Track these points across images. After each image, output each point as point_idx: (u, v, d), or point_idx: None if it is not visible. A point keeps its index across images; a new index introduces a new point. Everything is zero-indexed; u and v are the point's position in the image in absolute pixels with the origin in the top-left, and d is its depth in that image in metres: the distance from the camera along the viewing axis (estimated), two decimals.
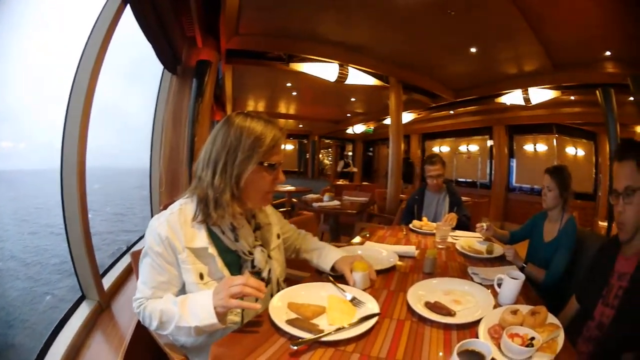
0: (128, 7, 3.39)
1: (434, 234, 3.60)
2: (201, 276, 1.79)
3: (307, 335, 1.49)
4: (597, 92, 7.65)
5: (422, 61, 9.52)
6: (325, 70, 8.93)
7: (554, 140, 12.17)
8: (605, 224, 7.61)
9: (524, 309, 1.87)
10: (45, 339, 2.50)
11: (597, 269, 2.26)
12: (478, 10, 6.61)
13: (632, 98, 7.01)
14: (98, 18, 3.21)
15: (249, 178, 1.79)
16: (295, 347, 1.41)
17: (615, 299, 2.00)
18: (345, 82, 9.20)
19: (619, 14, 6.48)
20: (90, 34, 3.14)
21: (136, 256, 2.04)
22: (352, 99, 13.61)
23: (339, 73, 8.93)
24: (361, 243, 3.20)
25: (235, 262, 1.91)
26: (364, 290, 2.06)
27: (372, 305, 1.82)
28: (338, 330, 1.55)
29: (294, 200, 7.79)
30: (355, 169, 16.34)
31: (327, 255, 2.33)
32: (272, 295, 1.91)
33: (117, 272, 3.81)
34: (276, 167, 1.87)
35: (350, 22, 7.36)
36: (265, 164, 1.81)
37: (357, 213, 6.60)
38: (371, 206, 8.61)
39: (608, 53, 8.04)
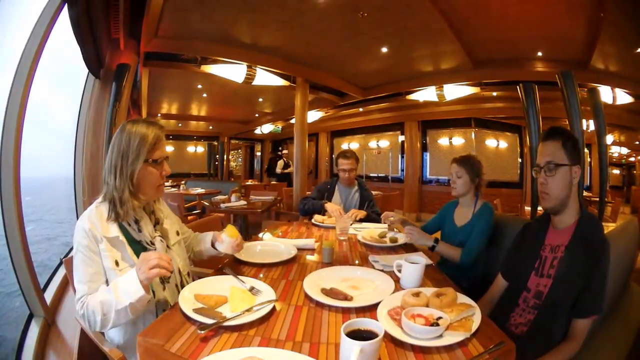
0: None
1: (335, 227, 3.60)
2: (117, 263, 1.94)
3: (212, 322, 1.59)
4: (518, 87, 8.02)
5: (332, 61, 9.69)
6: (234, 71, 8.99)
7: (472, 134, 12.84)
8: (530, 208, 8.04)
9: (429, 291, 1.98)
10: None
11: (526, 245, 2.41)
12: (393, 12, 6.81)
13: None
14: (40, 16, 3.22)
15: (140, 174, 2.01)
16: (202, 332, 1.53)
17: (551, 268, 2.18)
18: (253, 83, 9.33)
19: (555, 18, 6.89)
20: (32, 32, 3.17)
21: (68, 263, 2.14)
22: (260, 99, 13.66)
23: (247, 74, 9.04)
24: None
25: (141, 252, 1.99)
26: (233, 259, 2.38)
27: (268, 293, 1.95)
28: (238, 316, 1.66)
29: (205, 202, 7.77)
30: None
31: (206, 236, 2.56)
32: (176, 286, 2.12)
33: (56, 284, 3.93)
34: (159, 161, 2.09)
35: (263, 23, 7.46)
36: (150, 161, 2.04)
37: (263, 212, 6.71)
38: (278, 204, 8.73)
39: (540, 53, 8.56)
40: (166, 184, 9.10)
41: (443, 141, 13.35)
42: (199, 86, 11.80)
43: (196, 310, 1.69)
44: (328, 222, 4.01)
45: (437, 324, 1.64)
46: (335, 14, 6.92)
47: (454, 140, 13.15)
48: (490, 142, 12.96)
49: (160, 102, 13.52)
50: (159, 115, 14.39)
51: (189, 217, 7.19)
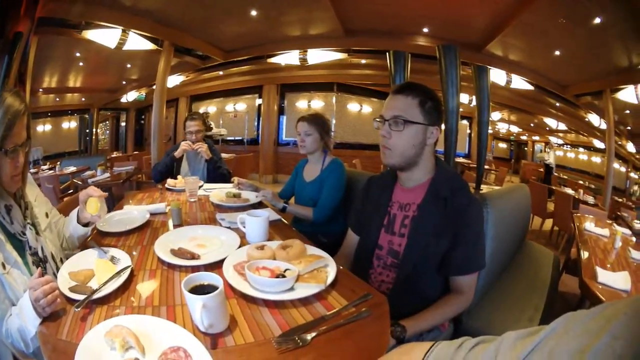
0: None
1: None
2: (3, 265, 1.75)
3: (83, 297, 1.57)
4: (387, 54, 8.25)
5: (200, 23, 9.70)
6: (108, 36, 8.92)
7: (334, 98, 13.24)
8: None
9: (275, 244, 2.07)
10: None
11: (371, 200, 2.45)
12: None
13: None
14: None
15: None
16: (77, 310, 1.51)
17: (403, 227, 2.19)
18: (124, 48, 9.28)
19: (461, 4, 7.66)
20: None
21: None
22: (129, 65, 13.31)
23: (120, 39, 8.99)
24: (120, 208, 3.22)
25: (19, 246, 1.89)
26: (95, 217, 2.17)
27: (126, 260, 1.96)
28: (101, 287, 1.66)
29: (76, 181, 7.52)
30: (224, 132, 14.02)
31: (71, 217, 2.30)
32: (54, 274, 1.94)
33: None
34: (13, 150, 1.75)
35: None
36: (2, 150, 1.72)
37: (124, 182, 6.83)
38: (139, 174, 8.90)
39: (426, 30, 9.17)
40: (43, 167, 8.52)
41: (301, 104, 13.74)
42: (77, 54, 11.27)
43: (71, 289, 1.65)
44: (180, 185, 4.08)
45: (284, 276, 1.69)
46: None
47: (312, 104, 13.58)
48: (353, 107, 13.63)
49: (42, 75, 12.43)
50: (41, 90, 13.27)
51: (65, 199, 7.00)
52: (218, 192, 3.67)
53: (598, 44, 8.91)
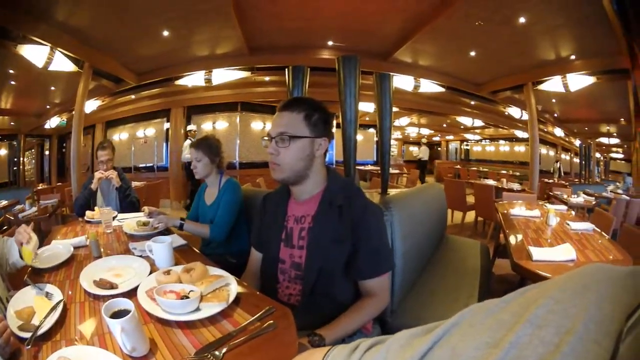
0: None
1: None
2: None
3: (29, 335, 1.63)
4: (286, 70, 8.56)
5: (116, 44, 9.70)
6: (37, 54, 8.76)
7: (238, 118, 13.63)
8: None
9: (180, 268, 2.22)
10: None
11: (268, 216, 2.52)
12: None
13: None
14: None
15: None
16: (28, 347, 1.56)
17: (301, 239, 2.26)
18: (49, 68, 9.09)
19: (369, 14, 7.90)
20: None
21: None
22: (52, 88, 12.84)
23: (47, 57, 8.80)
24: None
25: None
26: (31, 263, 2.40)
27: (58, 295, 2.06)
28: (41, 324, 1.71)
29: (9, 216, 7.34)
30: None
31: (12, 247, 2.43)
32: (5, 316, 1.86)
33: None
34: None
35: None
36: None
37: (50, 216, 6.73)
38: (62, 207, 8.63)
39: (330, 42, 9.54)
40: None
41: (206, 126, 13.97)
42: (11, 71, 10.76)
43: (19, 327, 1.69)
44: (97, 217, 4.20)
45: (187, 297, 1.83)
46: None
47: (217, 125, 13.88)
48: (257, 125, 14.16)
49: None
50: None
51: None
52: (130, 221, 3.87)
53: (520, 41, 9.46)
